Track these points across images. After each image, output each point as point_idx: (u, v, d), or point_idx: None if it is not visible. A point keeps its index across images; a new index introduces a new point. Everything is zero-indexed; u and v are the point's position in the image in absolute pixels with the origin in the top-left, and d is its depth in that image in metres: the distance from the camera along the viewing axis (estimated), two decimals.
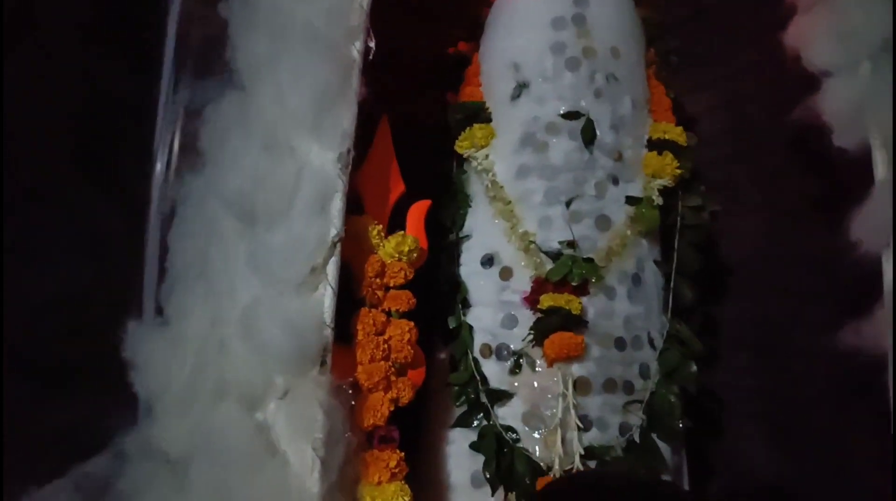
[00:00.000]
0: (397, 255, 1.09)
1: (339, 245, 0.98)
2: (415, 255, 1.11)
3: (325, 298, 0.98)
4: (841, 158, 1.14)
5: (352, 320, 1.06)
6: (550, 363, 1.22)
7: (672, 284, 1.33)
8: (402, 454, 1.06)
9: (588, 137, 1.29)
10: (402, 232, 1.11)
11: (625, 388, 1.25)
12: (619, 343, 1.26)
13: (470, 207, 1.36)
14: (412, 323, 1.09)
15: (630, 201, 1.31)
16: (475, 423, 1.25)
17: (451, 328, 1.30)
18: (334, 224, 0.98)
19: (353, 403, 1.01)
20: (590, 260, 1.24)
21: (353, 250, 1.05)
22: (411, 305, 1.10)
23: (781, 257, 1.43)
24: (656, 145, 1.35)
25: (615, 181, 1.31)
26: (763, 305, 1.44)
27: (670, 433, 1.25)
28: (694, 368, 1.28)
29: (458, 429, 1.26)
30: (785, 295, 1.42)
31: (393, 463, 1.03)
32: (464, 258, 1.34)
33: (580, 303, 1.21)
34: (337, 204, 0.99)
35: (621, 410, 1.25)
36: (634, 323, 1.28)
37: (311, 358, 0.97)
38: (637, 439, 1.24)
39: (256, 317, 0.98)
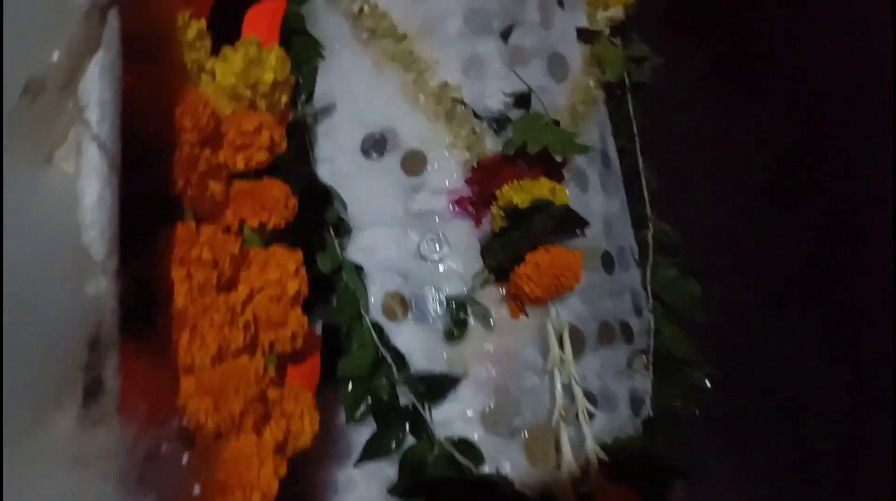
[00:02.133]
0: (249, 92, 0.43)
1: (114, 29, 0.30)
2: (284, 98, 0.46)
3: (86, 185, 0.30)
4: None
5: (150, 256, 0.38)
6: (521, 311, 0.65)
7: (641, 163, 0.83)
8: None
9: None
10: (254, 37, 0.45)
11: (624, 334, 0.73)
12: (607, 262, 0.73)
13: (322, 57, 0.71)
14: (299, 253, 0.45)
15: (584, 35, 0.77)
16: (395, 446, 0.64)
17: (322, 274, 0.66)
18: None
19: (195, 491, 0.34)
20: (557, 124, 0.69)
21: (142, 79, 0.36)
22: (291, 210, 0.45)
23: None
24: None
25: (560, 3, 0.76)
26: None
27: (695, 397, 0.76)
28: (697, 288, 0.80)
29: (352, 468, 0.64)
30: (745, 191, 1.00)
31: None
32: (325, 148, 0.70)
33: (566, 193, 0.65)
34: None
35: (626, 371, 0.73)
36: (615, 227, 0.76)
37: (56, 383, 0.28)
38: (651, 412, 0.73)
39: None
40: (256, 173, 0.45)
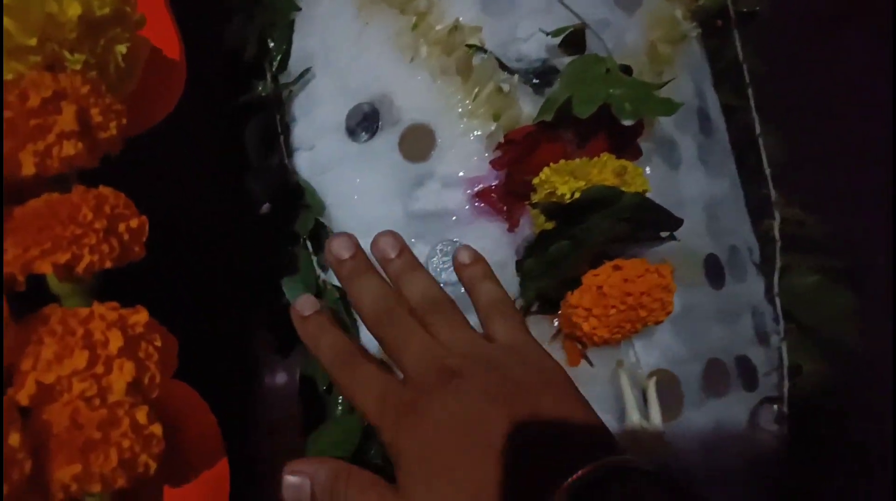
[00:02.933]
0: (34, 39, 0.24)
1: None
2: (121, 49, 0.26)
3: None
4: None
5: None
6: (580, 356, 0.44)
7: (758, 126, 0.59)
8: None
9: None
10: None
11: (742, 376, 0.50)
12: (714, 271, 0.50)
13: (299, 9, 0.52)
14: (141, 313, 0.26)
15: None
16: None
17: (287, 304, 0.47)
18: None
19: None
20: (627, 72, 0.46)
21: None
22: (128, 239, 0.26)
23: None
24: None
25: None
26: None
27: (857, 465, 0.51)
28: (850, 299, 0.55)
29: None
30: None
31: None
32: (303, 131, 0.50)
33: (643, 175, 0.43)
34: None
35: (747, 432, 0.50)
36: (724, 219, 0.53)
37: None
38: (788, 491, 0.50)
39: None
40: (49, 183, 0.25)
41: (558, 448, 0.30)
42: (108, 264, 0.25)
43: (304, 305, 0.37)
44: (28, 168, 0.24)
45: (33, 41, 0.24)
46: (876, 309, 0.54)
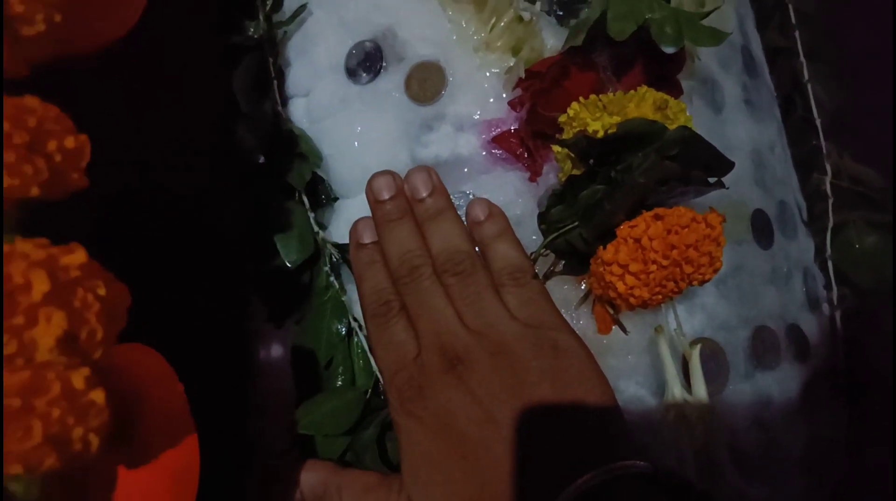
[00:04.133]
0: None
1: None
2: None
3: None
4: None
5: None
6: (613, 321, 0.39)
7: (806, 71, 0.53)
8: None
9: None
10: None
11: (794, 346, 0.44)
12: (761, 227, 0.44)
13: None
14: (77, 251, 0.20)
15: None
16: None
17: (284, 266, 0.42)
18: None
19: None
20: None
21: None
22: (71, 171, 0.20)
23: None
24: None
25: None
26: None
27: None
28: None
29: None
30: None
31: None
32: (299, 76, 0.44)
33: (685, 111, 0.37)
34: None
35: (801, 410, 0.44)
36: (771, 170, 0.47)
37: None
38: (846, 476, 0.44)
39: None
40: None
41: (561, 449, 0.29)
42: (35, 192, 0.20)
43: (365, 228, 0.37)
44: None
45: None
46: None
